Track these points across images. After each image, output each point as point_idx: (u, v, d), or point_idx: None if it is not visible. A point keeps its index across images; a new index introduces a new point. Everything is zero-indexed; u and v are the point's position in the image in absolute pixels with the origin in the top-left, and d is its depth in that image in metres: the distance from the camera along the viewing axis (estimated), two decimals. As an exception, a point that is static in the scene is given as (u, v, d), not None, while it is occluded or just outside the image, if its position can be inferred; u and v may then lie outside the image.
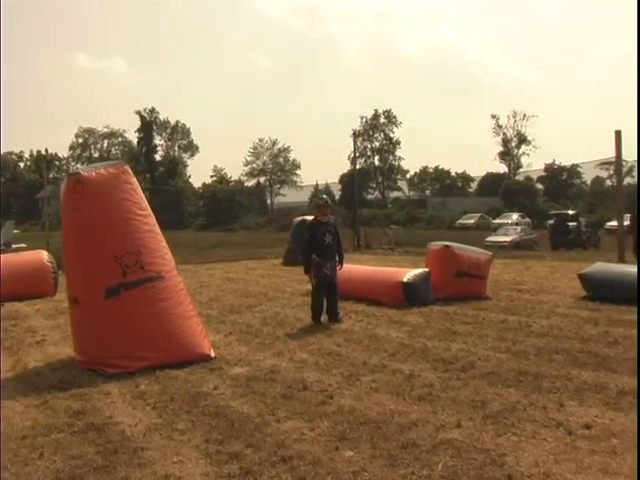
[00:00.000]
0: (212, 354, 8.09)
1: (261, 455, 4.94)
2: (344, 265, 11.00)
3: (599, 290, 12.18)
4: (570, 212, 36.96)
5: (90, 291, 7.74)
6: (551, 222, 41.23)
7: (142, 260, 7.80)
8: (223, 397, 6.49)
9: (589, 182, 76.98)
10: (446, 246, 12.93)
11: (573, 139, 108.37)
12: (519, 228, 38.24)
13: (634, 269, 12.36)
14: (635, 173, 55.92)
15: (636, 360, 7.46)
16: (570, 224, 32.98)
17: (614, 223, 42.64)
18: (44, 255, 15.34)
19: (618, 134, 19.80)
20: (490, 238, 33.87)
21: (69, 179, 7.98)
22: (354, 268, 13.63)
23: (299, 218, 23.79)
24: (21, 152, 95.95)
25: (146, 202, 8.34)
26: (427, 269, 12.46)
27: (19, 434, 5.57)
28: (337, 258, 10.78)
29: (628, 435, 5.16)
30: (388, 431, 5.40)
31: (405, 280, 11.99)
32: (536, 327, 9.81)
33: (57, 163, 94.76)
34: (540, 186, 73.53)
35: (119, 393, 6.76)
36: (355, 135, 43.18)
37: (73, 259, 8.05)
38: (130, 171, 8.27)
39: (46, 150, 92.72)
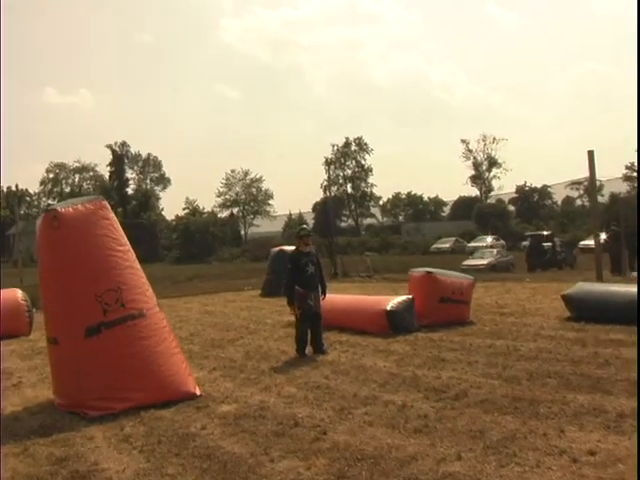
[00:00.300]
0: (197, 392, 7.84)
1: (258, 498, 4.73)
2: (326, 295, 10.82)
3: (583, 310, 12.11)
4: (545, 233, 37.16)
5: (70, 331, 7.48)
6: (526, 243, 41.56)
7: (123, 297, 7.56)
8: (212, 437, 6.25)
9: (559, 202, 77.97)
10: (428, 272, 12.81)
11: (541, 160, 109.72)
12: (495, 251, 38.37)
13: (617, 288, 12.35)
14: (605, 192, 56.77)
15: (630, 381, 7.36)
16: (545, 245, 33.12)
17: (587, 242, 43.36)
18: (18, 293, 14.96)
19: (591, 154, 19.94)
20: (467, 262, 33.92)
21: (45, 216, 7.73)
22: (336, 297, 13.44)
23: (277, 248, 23.59)
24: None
25: (125, 238, 8.12)
26: (411, 296, 12.31)
27: (-1, 486, 5.30)
28: (320, 288, 10.61)
29: (634, 460, 5.00)
30: (387, 467, 5.21)
31: (389, 308, 11.83)
32: (524, 350, 9.69)
33: (28, 199, 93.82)
34: (512, 208, 74.22)
35: (103, 437, 6.50)
36: (328, 163, 43.22)
37: (51, 298, 7.79)
38: (108, 206, 8.05)
39: (16, 186, 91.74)
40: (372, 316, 12.07)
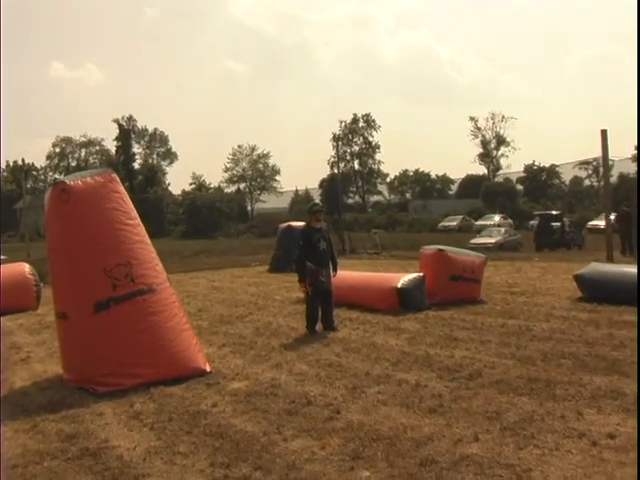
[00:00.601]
0: (207, 368, 7.74)
1: (272, 478, 4.63)
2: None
3: (595, 291, 11.97)
4: (554, 212, 36.92)
5: (79, 306, 7.38)
6: (533, 222, 41.32)
7: (133, 272, 7.45)
8: (224, 415, 6.15)
9: (567, 182, 77.55)
10: (440, 250, 12.66)
11: (550, 140, 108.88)
12: (503, 229, 38.15)
13: (631, 269, 12.19)
14: (614, 172, 56.43)
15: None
16: (554, 224, 32.91)
17: (596, 222, 43.12)
18: (25, 268, 14.89)
19: (604, 133, 19.69)
20: (474, 240, 33.73)
21: (54, 188, 7.59)
22: (345, 274, 13.30)
23: (285, 224, 23.41)
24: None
25: (135, 211, 7.98)
26: (421, 274, 12.18)
27: (8, 463, 5.19)
28: (331, 265, 10.49)
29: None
30: (403, 447, 5.10)
31: (399, 285, 11.71)
32: (537, 331, 9.57)
33: (34, 173, 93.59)
34: (520, 187, 73.82)
35: (113, 413, 6.40)
36: (335, 139, 42.90)
37: (60, 272, 7.67)
38: (118, 179, 7.90)
39: (23, 160, 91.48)
40: (382, 293, 11.96)
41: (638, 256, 18.20)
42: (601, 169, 72.12)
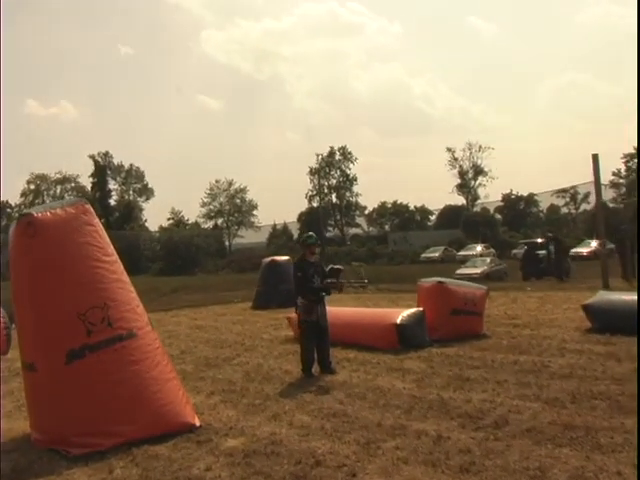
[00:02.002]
0: (197, 422, 6.81)
1: None
2: (327, 308, 9.82)
3: (606, 321, 11.22)
4: (539, 240, 36.34)
5: (48, 355, 6.43)
6: (516, 251, 40.82)
7: (110, 316, 6.52)
8: (220, 482, 5.25)
9: (545, 210, 77.66)
10: (439, 282, 11.87)
11: (525, 169, 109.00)
12: (488, 259, 37.47)
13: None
14: (591, 199, 56.34)
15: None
16: (540, 252, 32.30)
17: (579, 249, 42.88)
18: (-6, 310, 13.86)
19: (595, 157, 19.31)
20: (460, 270, 32.99)
21: (19, 222, 6.65)
22: (338, 310, 12.46)
23: (268, 259, 22.54)
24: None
25: (112, 247, 7.06)
26: (421, 308, 11.36)
27: None
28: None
29: None
30: (441, 522, 4.24)
31: (398, 321, 10.85)
32: (555, 367, 8.78)
33: (9, 211, 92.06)
34: (499, 216, 73.70)
35: (89, 483, 5.47)
36: (312, 172, 42.32)
37: (26, 317, 6.72)
38: (92, 210, 6.97)
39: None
40: (380, 330, 11.09)
41: (638, 278, 17.55)
42: (579, 197, 73.20)
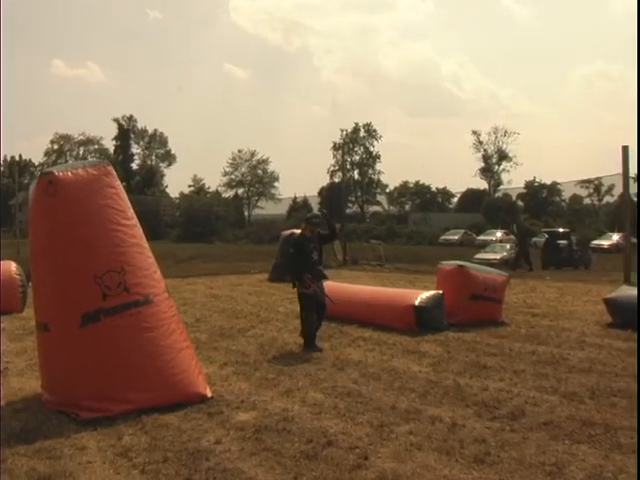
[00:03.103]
0: (208, 393, 6.71)
1: None
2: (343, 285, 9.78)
3: (628, 317, 10.98)
4: (561, 230, 35.95)
5: (63, 317, 6.36)
6: (536, 239, 40.40)
7: (126, 280, 6.42)
8: (229, 456, 5.14)
9: (567, 200, 76.87)
10: (460, 266, 11.67)
11: (549, 157, 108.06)
12: (508, 245, 37.12)
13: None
14: (615, 192, 55.62)
15: None
16: (561, 242, 31.94)
17: (600, 242, 42.30)
18: (12, 267, 13.82)
19: (625, 149, 18.83)
20: (479, 255, 32.72)
21: (40, 180, 6.56)
22: (356, 288, 12.40)
23: (288, 232, 22.38)
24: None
25: (132, 210, 6.94)
26: (440, 291, 11.19)
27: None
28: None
29: None
30: (453, 513, 4.12)
31: (417, 303, 10.70)
32: (574, 361, 8.59)
33: (32, 169, 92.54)
34: (520, 203, 73.07)
35: (97, 448, 5.38)
36: (336, 148, 42.02)
37: (42, 277, 6.64)
38: (114, 173, 6.84)
39: (20, 156, 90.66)
40: (398, 311, 10.93)
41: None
42: (603, 188, 72.33)
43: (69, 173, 6.43)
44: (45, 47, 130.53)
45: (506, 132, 77.91)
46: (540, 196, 74.30)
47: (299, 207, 75.21)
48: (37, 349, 7.08)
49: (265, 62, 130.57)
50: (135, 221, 6.93)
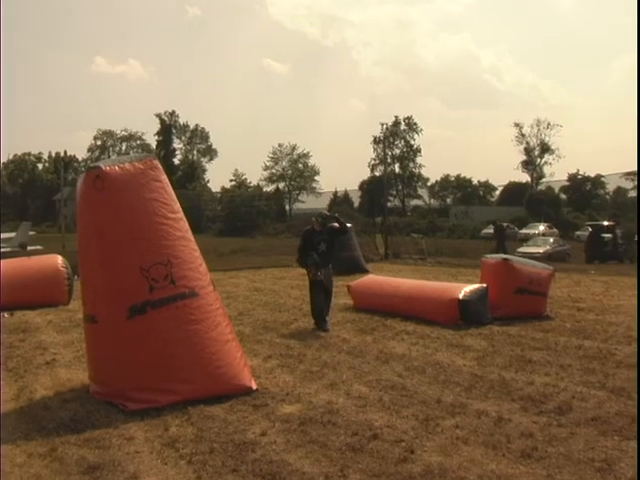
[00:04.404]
0: (253, 386, 6.77)
1: None
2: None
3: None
4: (605, 223, 35.40)
5: (110, 309, 6.45)
6: (579, 233, 39.85)
7: (173, 273, 6.49)
8: (275, 448, 5.16)
9: (611, 193, 75.55)
10: (505, 259, 11.58)
11: (592, 150, 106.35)
12: (551, 239, 36.71)
13: None
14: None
15: None
16: (605, 236, 31.46)
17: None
18: (58, 260, 14.07)
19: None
20: (522, 249, 32.39)
21: (87, 174, 6.65)
22: (399, 282, 12.35)
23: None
24: (40, 153, 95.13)
25: (178, 204, 7.01)
26: (484, 285, 11.10)
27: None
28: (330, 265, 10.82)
29: None
30: (502, 508, 4.09)
31: (461, 297, 10.64)
32: (621, 356, 8.46)
33: (75, 165, 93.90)
34: (563, 196, 72.02)
35: (145, 439, 5.45)
36: (376, 141, 41.85)
37: (90, 270, 6.74)
38: (160, 167, 6.90)
39: (65, 152, 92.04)
40: (441, 305, 10.87)
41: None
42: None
43: (116, 167, 6.51)
44: (87, 45, 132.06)
45: (549, 124, 76.57)
46: (584, 189, 73.10)
47: (340, 201, 75.13)
48: (85, 341, 7.19)
49: (304, 56, 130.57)
50: (181, 214, 7.00)
